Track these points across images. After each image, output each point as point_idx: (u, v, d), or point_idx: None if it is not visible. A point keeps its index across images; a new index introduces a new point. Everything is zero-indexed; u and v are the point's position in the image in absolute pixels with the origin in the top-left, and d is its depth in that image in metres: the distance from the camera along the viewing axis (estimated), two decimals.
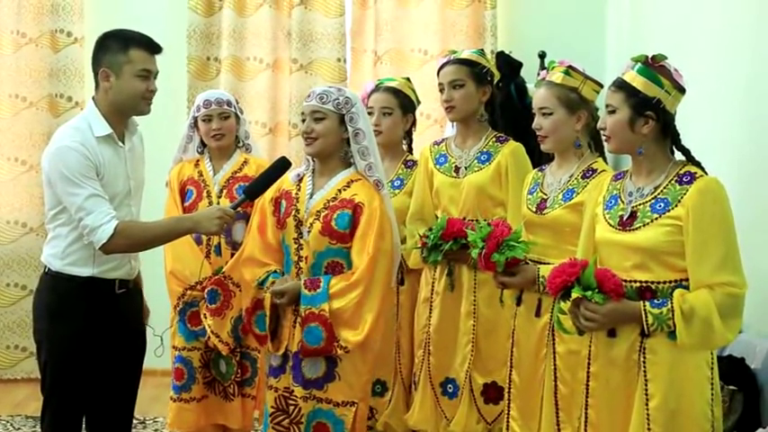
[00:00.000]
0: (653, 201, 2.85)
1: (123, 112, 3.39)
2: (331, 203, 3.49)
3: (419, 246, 3.81)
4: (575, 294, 2.79)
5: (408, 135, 4.39)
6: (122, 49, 3.32)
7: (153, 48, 3.39)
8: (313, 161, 3.60)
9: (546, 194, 3.44)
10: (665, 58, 2.89)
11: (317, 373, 3.47)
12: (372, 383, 4.11)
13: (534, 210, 3.44)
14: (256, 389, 4.36)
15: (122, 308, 3.48)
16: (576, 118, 3.39)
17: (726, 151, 3.84)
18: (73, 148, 3.26)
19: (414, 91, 4.37)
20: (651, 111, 2.84)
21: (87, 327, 3.36)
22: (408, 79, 4.45)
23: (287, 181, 3.65)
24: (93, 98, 3.42)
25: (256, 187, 3.59)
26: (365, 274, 3.41)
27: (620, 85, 2.89)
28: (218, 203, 4.11)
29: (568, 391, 3.21)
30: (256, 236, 3.66)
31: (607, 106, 2.91)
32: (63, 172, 3.25)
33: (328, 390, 3.47)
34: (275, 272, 3.57)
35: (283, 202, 3.59)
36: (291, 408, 3.50)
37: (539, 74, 4.04)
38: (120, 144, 3.41)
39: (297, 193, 3.56)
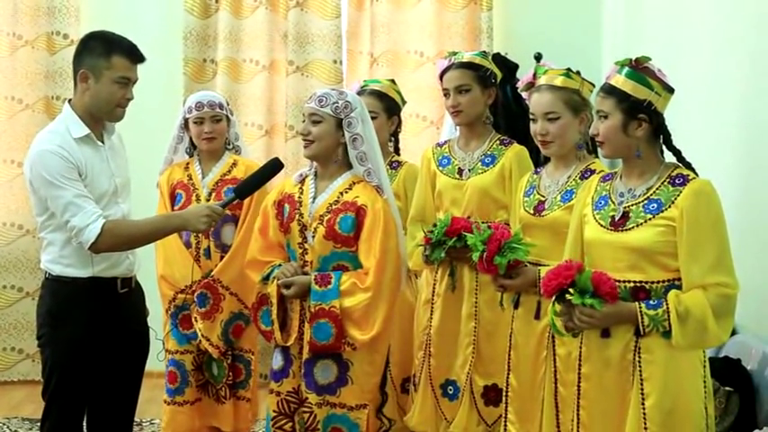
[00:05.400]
0: (645, 201, 2.86)
1: (97, 115, 3.39)
2: (334, 207, 3.47)
3: (422, 243, 3.81)
4: (575, 302, 2.79)
5: (394, 136, 4.39)
6: (105, 54, 3.32)
7: (136, 56, 3.39)
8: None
9: (543, 196, 3.44)
10: (649, 59, 2.90)
11: (330, 378, 3.46)
12: None
13: (532, 212, 3.44)
14: (251, 391, 4.36)
15: (125, 309, 3.49)
16: (579, 120, 3.40)
17: (721, 152, 3.85)
18: (52, 151, 3.26)
19: (398, 92, 4.37)
20: (643, 113, 2.86)
21: (91, 330, 3.36)
22: (393, 81, 4.44)
23: (288, 183, 3.64)
24: (68, 101, 3.43)
25: (246, 187, 3.59)
26: (375, 277, 3.41)
27: (610, 90, 2.90)
28: None
29: (568, 393, 3.21)
30: (258, 238, 3.65)
31: (598, 112, 2.93)
32: (44, 176, 3.25)
33: (341, 394, 3.47)
34: (279, 264, 3.55)
35: (286, 206, 3.57)
36: (307, 415, 3.49)
37: (518, 79, 4.01)
38: (100, 143, 3.41)
39: (300, 197, 3.55)
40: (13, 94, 6.05)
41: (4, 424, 5.34)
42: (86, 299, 3.36)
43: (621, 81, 2.88)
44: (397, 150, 4.41)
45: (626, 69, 2.89)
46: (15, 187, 6.08)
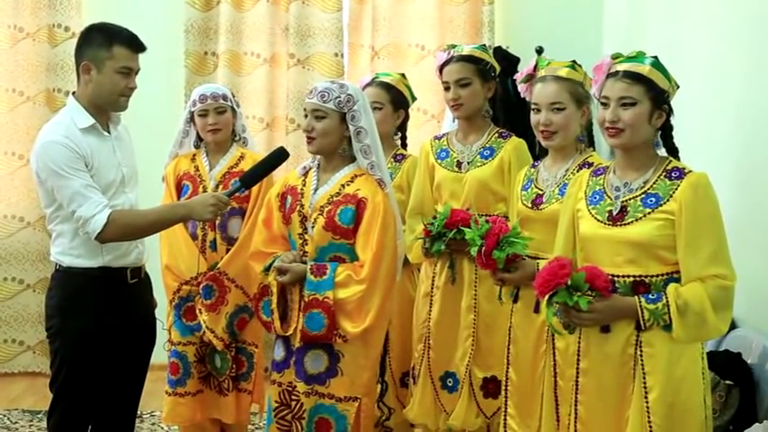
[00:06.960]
0: (643, 195, 2.86)
1: (101, 106, 3.41)
2: (334, 199, 3.47)
3: (422, 236, 3.81)
4: (560, 300, 2.78)
5: (402, 130, 4.39)
6: (106, 45, 3.33)
7: (137, 46, 3.40)
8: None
9: (541, 190, 3.43)
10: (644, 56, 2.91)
11: (320, 369, 3.46)
12: None
13: (530, 205, 3.43)
14: (253, 383, 4.36)
15: (135, 299, 3.50)
16: (581, 112, 3.39)
17: (720, 147, 3.85)
18: (57, 142, 3.27)
19: (408, 87, 4.36)
20: (666, 104, 2.86)
21: (101, 321, 3.37)
22: (404, 75, 4.44)
23: (293, 176, 3.64)
24: (72, 93, 3.44)
25: (252, 176, 3.59)
26: (371, 269, 3.41)
27: (639, 77, 2.85)
28: None
29: (567, 387, 3.21)
30: (262, 229, 3.65)
31: (622, 98, 2.84)
32: (50, 167, 3.26)
33: (330, 385, 3.46)
34: (280, 255, 3.55)
35: (289, 198, 3.58)
36: (294, 403, 3.50)
37: (517, 71, 4.00)
38: (106, 133, 3.42)
39: (302, 189, 3.55)
40: (15, 87, 6.05)
41: (4, 416, 5.35)
42: (96, 290, 3.37)
43: (649, 70, 2.86)
44: (404, 146, 4.41)
45: (651, 59, 2.88)
46: (17, 179, 6.08)
